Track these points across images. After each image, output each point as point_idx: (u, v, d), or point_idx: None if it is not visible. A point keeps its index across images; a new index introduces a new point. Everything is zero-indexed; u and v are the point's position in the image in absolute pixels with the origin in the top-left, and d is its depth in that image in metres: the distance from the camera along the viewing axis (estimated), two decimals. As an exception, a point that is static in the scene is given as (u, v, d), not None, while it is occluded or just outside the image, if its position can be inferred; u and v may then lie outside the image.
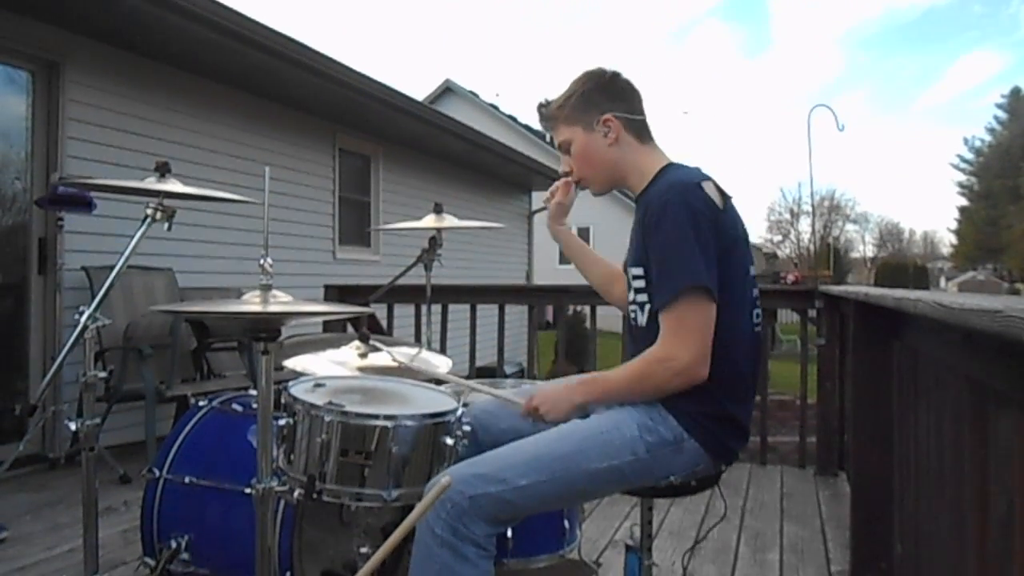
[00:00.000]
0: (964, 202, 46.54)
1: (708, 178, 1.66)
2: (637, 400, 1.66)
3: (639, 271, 1.69)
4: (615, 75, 1.80)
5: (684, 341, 1.55)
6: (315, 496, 1.60)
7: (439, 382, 1.97)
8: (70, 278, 4.30)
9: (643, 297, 1.69)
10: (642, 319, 1.70)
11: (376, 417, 1.62)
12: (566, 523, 2.04)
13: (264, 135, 6.17)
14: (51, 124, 4.42)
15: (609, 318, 5.12)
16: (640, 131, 1.79)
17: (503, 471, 1.52)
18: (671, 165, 1.76)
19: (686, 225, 1.57)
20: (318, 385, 1.81)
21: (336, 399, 1.66)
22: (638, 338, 1.71)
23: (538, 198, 12.58)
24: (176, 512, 2.07)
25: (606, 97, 1.77)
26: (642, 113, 1.80)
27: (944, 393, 1.59)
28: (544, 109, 1.85)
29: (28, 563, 2.79)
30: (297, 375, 1.91)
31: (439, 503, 1.45)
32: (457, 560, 1.46)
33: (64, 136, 4.44)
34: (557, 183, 1.97)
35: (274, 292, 1.67)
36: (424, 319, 3.07)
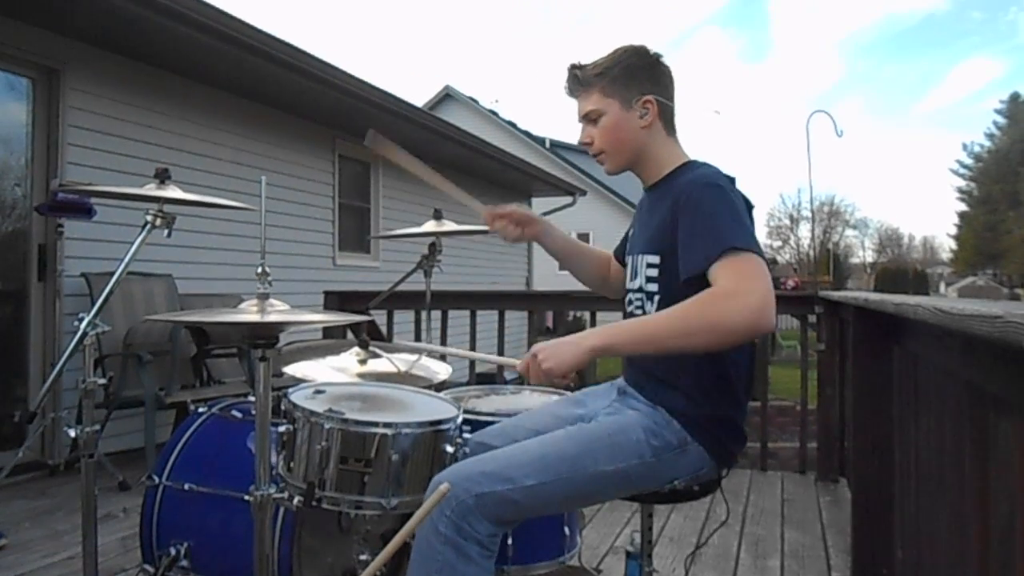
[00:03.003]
0: (963, 207, 46.65)
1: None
2: (676, 343, 1.42)
3: (654, 259, 1.64)
4: (659, 57, 1.73)
5: (753, 282, 1.40)
6: (315, 503, 1.60)
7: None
8: (70, 284, 4.30)
9: (654, 287, 1.64)
10: (651, 308, 1.66)
11: (376, 425, 1.62)
12: (567, 530, 2.03)
13: (264, 141, 6.18)
14: (51, 130, 4.43)
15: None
16: (670, 121, 1.73)
17: (510, 470, 1.50)
18: (696, 161, 1.73)
19: (731, 203, 1.52)
20: (318, 392, 1.81)
21: (336, 406, 1.66)
22: None
23: (538, 204, 12.59)
24: (175, 519, 2.07)
25: (650, 77, 1.69)
26: (673, 101, 1.74)
27: (944, 398, 1.59)
28: (579, 71, 1.72)
29: (27, 570, 2.78)
30: (297, 381, 1.90)
31: (444, 501, 1.43)
32: (460, 559, 1.44)
33: (64, 142, 4.44)
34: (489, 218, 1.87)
35: (271, 301, 1.67)
36: (424, 325, 3.07)
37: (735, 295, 1.39)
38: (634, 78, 1.68)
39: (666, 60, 1.74)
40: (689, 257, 1.50)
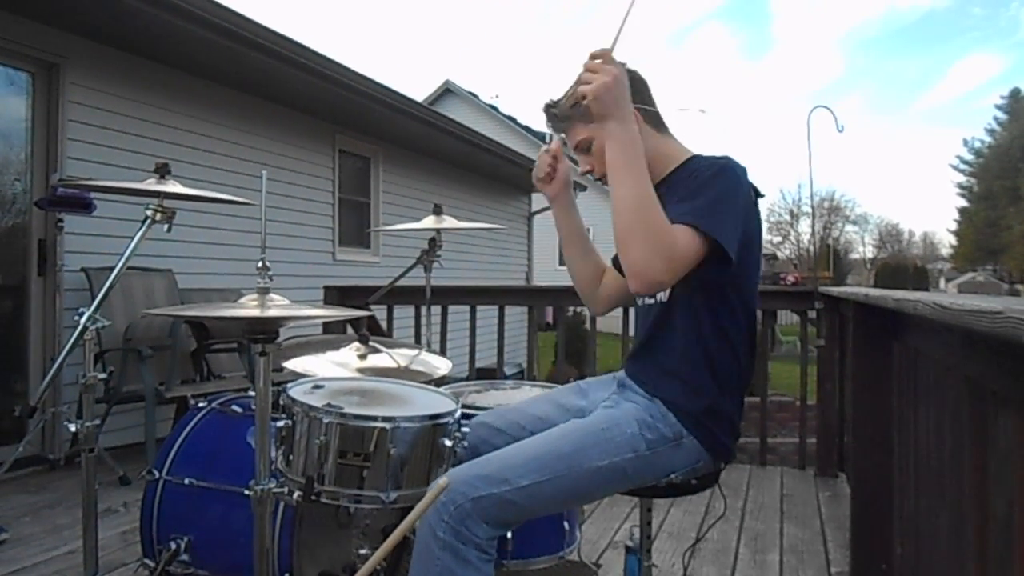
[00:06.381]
0: (964, 203, 46.63)
1: None
2: (623, 212, 1.50)
3: None
4: (622, 66, 1.70)
5: (678, 263, 1.48)
6: (314, 498, 1.60)
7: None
8: (70, 279, 4.30)
9: None
10: (663, 294, 1.66)
11: (374, 419, 1.62)
12: (566, 524, 2.04)
13: (264, 136, 6.18)
14: (51, 125, 4.42)
15: (609, 319, 5.10)
16: (657, 121, 1.73)
17: (505, 471, 1.51)
18: (701, 155, 1.72)
19: (735, 191, 1.55)
20: (317, 387, 1.81)
21: (335, 400, 1.66)
22: (656, 315, 1.67)
23: (538, 199, 12.59)
24: (176, 513, 2.07)
25: None
26: (654, 103, 1.74)
27: (944, 394, 1.59)
28: (554, 109, 1.72)
29: (27, 564, 2.78)
30: (297, 376, 1.90)
31: (441, 505, 1.44)
32: (459, 563, 1.45)
33: (64, 137, 4.44)
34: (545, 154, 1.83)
35: (271, 295, 1.67)
36: (424, 320, 3.07)
37: (667, 259, 1.45)
38: None
39: (631, 66, 1.69)
40: (681, 209, 1.51)
